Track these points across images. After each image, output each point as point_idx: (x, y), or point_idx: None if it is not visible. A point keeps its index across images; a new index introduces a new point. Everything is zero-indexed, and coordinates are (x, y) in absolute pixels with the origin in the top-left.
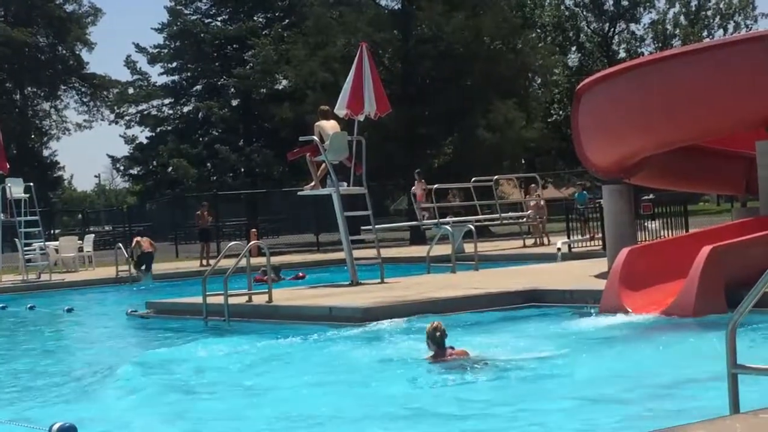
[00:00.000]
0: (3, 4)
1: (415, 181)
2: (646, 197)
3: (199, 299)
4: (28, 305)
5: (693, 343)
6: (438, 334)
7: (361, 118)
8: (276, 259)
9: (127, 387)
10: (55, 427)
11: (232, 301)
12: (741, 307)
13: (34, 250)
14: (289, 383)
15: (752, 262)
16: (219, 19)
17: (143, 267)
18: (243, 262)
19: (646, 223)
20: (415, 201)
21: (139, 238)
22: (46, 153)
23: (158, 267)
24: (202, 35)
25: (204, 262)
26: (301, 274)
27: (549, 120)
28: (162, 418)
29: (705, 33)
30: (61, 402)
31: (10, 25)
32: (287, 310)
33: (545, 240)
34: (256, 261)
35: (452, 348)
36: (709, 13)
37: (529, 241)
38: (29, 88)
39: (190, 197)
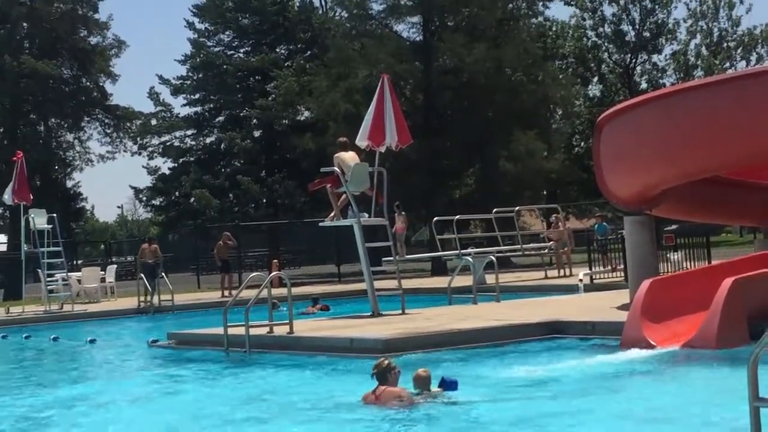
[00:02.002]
0: (28, 37)
1: (395, 214)
2: (668, 228)
3: (220, 330)
4: (52, 336)
5: (715, 376)
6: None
7: (383, 149)
8: (297, 290)
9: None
10: None
11: (253, 332)
12: (763, 339)
13: (57, 280)
14: None
15: None
16: (241, 50)
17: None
18: (264, 293)
19: (668, 255)
20: (393, 235)
21: (145, 245)
22: (69, 184)
23: (180, 298)
24: (224, 67)
25: (226, 292)
26: (323, 306)
27: (571, 151)
28: None
29: (727, 64)
30: (79, 429)
31: (35, 57)
32: (308, 342)
33: (567, 271)
34: (277, 292)
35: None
36: (731, 44)
37: (551, 272)
38: (53, 120)
39: (213, 228)
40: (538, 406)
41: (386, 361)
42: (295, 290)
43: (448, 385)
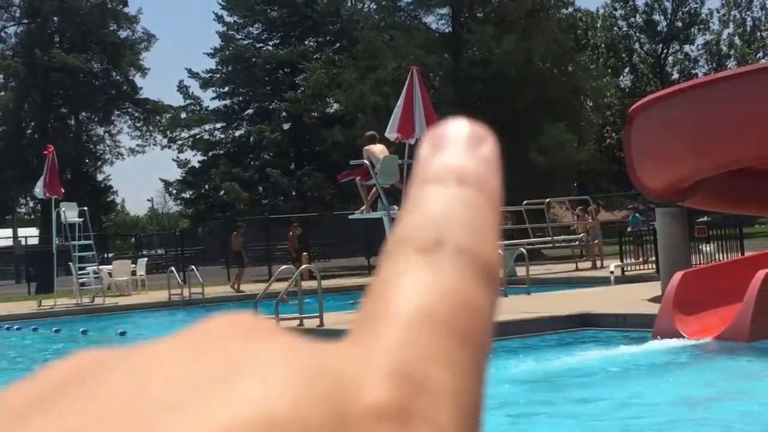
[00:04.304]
0: (59, 31)
1: None
2: (700, 220)
3: None
4: (81, 329)
5: (747, 369)
6: None
7: (412, 141)
8: (327, 283)
9: None
10: None
11: (283, 325)
12: None
13: (88, 273)
14: None
15: None
16: (270, 43)
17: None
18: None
19: (700, 246)
20: None
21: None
22: (99, 177)
23: (210, 291)
24: (253, 60)
25: (235, 286)
26: None
27: (602, 143)
28: None
29: (760, 54)
30: None
31: (65, 52)
32: (338, 335)
33: (598, 263)
34: (307, 285)
35: None
36: (764, 33)
37: (583, 264)
38: (83, 114)
39: (241, 220)
40: (568, 397)
41: None
42: (325, 283)
43: None
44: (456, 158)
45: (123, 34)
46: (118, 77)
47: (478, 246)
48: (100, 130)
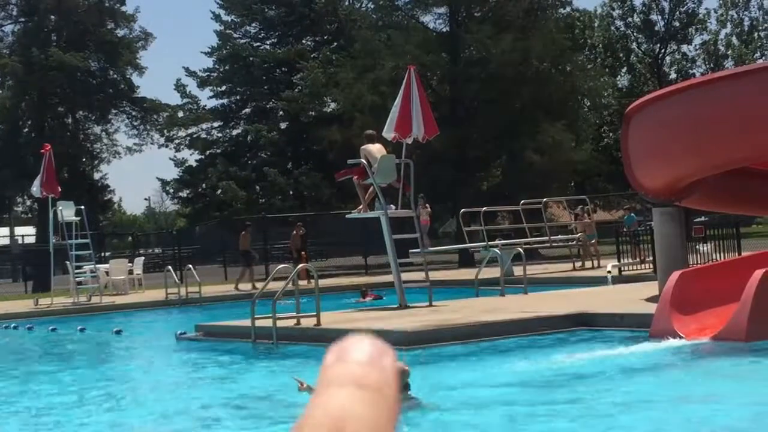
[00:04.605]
0: (56, 29)
1: (419, 206)
2: (698, 220)
3: (247, 322)
4: (79, 327)
5: (744, 368)
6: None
7: (410, 140)
8: (324, 282)
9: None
10: None
11: (280, 324)
12: None
13: (85, 272)
14: None
15: None
16: (268, 42)
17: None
18: (291, 285)
19: (697, 246)
20: (418, 226)
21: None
22: (96, 176)
23: (207, 290)
24: (251, 59)
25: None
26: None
27: (599, 142)
28: None
29: (758, 54)
30: (108, 421)
31: (62, 50)
32: (335, 334)
33: (595, 262)
34: (304, 284)
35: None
36: (762, 33)
37: (579, 264)
38: (81, 112)
39: (239, 220)
40: (565, 397)
41: None
42: (322, 282)
43: None
44: (356, 367)
45: (120, 32)
46: (115, 76)
47: None
48: (98, 129)
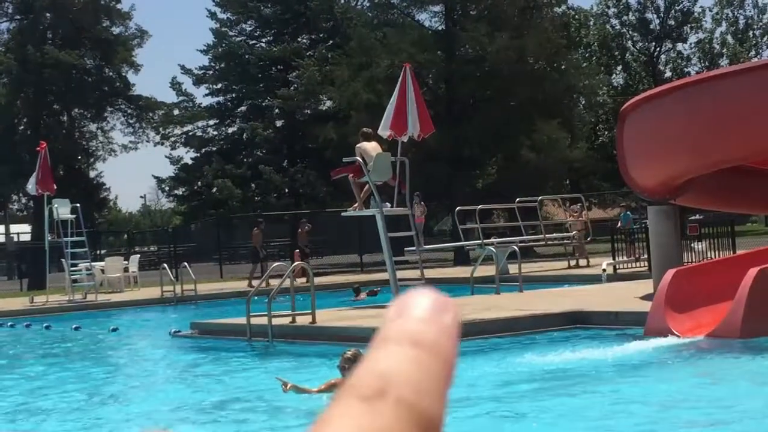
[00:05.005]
0: (51, 27)
1: (414, 204)
2: (693, 218)
3: (243, 320)
4: (74, 326)
5: (739, 366)
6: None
7: (405, 138)
8: (320, 280)
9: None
10: None
11: (276, 321)
12: None
13: (81, 270)
14: None
15: None
16: (263, 40)
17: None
18: (287, 283)
19: (692, 244)
20: (413, 224)
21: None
22: (92, 174)
23: (202, 288)
24: (246, 57)
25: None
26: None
27: (594, 141)
28: None
29: (753, 52)
30: (105, 419)
31: (58, 48)
32: (331, 332)
33: (584, 261)
34: (300, 282)
35: None
36: (757, 32)
37: (574, 263)
38: (76, 110)
39: (235, 218)
40: (560, 394)
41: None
42: (318, 280)
43: None
44: (414, 323)
45: (116, 30)
46: (110, 74)
47: (420, 399)
48: (93, 127)
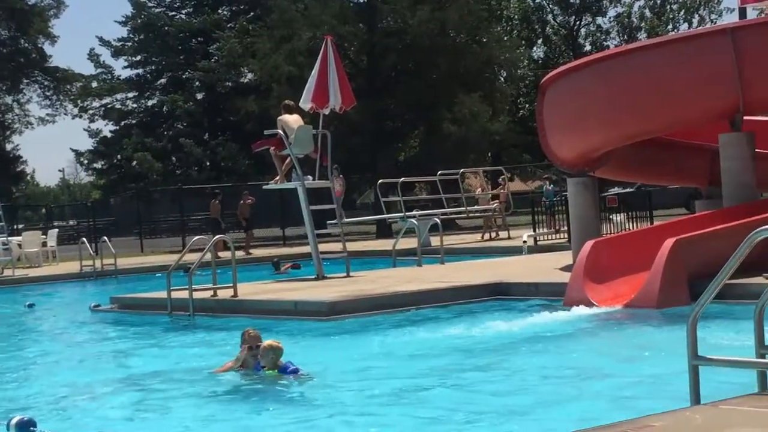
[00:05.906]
0: None
1: (333, 177)
2: (612, 191)
3: (163, 294)
4: None
5: (655, 335)
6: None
7: (327, 111)
8: (241, 254)
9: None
10: (14, 420)
11: (197, 295)
12: (702, 299)
13: None
14: None
15: (715, 253)
16: (183, 12)
17: None
18: (208, 257)
19: (611, 216)
20: (334, 197)
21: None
22: (8, 147)
23: (123, 262)
24: (166, 28)
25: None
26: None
27: (516, 114)
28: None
29: (670, 27)
30: (19, 396)
31: None
32: (252, 305)
33: (495, 234)
34: (223, 255)
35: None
36: (674, 6)
37: (494, 234)
38: None
39: (155, 191)
40: (479, 365)
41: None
42: (239, 254)
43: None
44: None
45: (31, 0)
46: (26, 45)
47: None
48: (8, 99)
